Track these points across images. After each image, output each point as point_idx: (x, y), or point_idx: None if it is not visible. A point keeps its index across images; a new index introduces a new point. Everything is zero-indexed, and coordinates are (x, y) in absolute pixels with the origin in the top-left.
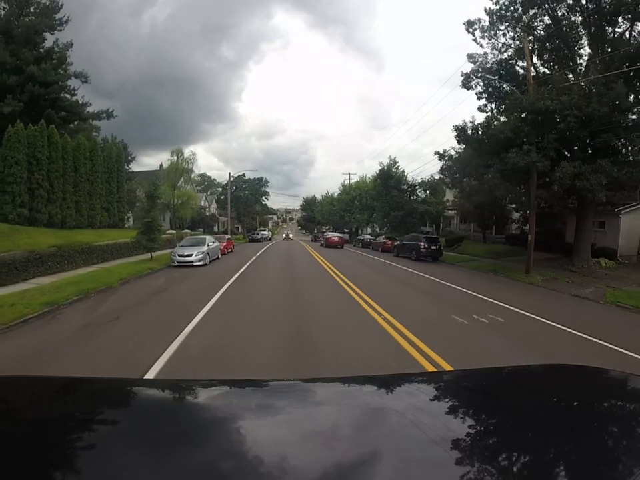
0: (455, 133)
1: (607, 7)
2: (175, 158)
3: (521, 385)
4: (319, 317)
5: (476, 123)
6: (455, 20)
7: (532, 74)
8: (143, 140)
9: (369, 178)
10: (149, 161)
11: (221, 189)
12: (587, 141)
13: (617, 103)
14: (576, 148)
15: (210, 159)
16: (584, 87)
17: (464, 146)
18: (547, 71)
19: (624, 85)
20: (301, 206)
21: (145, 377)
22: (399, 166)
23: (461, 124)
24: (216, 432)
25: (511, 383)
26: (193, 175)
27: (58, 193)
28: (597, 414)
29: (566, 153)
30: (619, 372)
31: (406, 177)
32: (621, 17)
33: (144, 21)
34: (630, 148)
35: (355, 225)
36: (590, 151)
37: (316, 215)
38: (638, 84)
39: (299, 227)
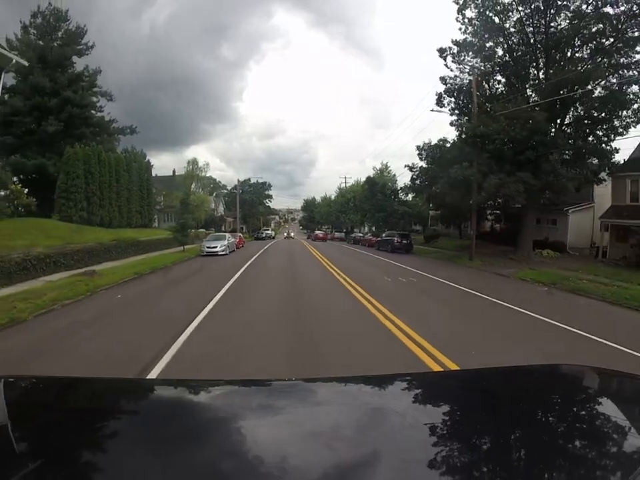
0: (417, 152)
1: (553, 36)
2: (191, 167)
3: (521, 385)
4: (302, 269)
5: (432, 144)
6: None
7: (487, 93)
8: (144, 141)
9: (363, 181)
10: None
11: (225, 191)
12: (513, 157)
13: (538, 126)
14: (505, 163)
15: (212, 160)
16: (526, 111)
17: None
18: (507, 90)
19: (542, 112)
20: (301, 207)
21: (148, 377)
22: (390, 170)
23: (421, 144)
24: (217, 432)
25: (511, 383)
26: (205, 182)
27: (106, 199)
28: (597, 414)
29: (498, 166)
30: (618, 372)
31: (394, 181)
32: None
33: (143, 21)
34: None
35: (350, 224)
36: (515, 165)
37: (315, 216)
38: (572, 107)
39: (301, 227)
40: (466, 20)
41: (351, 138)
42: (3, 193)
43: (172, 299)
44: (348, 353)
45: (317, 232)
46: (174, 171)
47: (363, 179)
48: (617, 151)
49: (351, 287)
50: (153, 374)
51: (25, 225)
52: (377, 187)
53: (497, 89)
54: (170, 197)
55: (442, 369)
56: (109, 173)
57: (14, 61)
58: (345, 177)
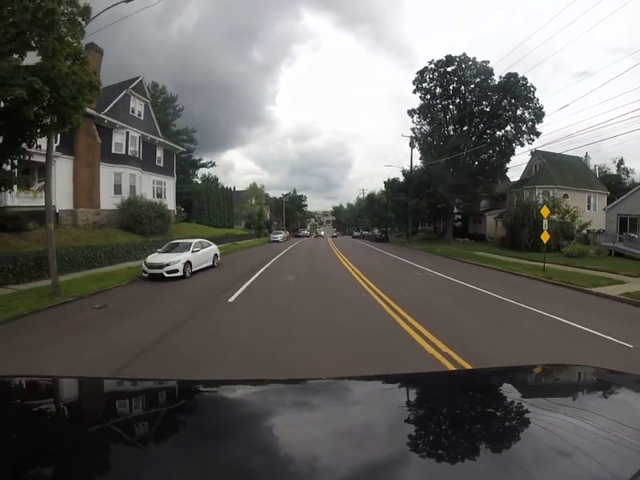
0: (384, 184)
1: (459, 114)
2: (251, 188)
3: (527, 384)
4: (319, 245)
5: (392, 179)
6: (483, 13)
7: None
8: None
9: (378, 192)
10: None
11: (267, 198)
12: (425, 189)
13: (435, 172)
14: (421, 192)
15: (247, 163)
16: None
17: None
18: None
19: (442, 166)
20: (331, 212)
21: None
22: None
23: (386, 180)
24: (248, 429)
25: (519, 382)
26: (261, 199)
27: (215, 212)
28: (597, 413)
29: (418, 194)
30: (619, 372)
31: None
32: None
33: (173, 28)
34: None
35: (365, 226)
36: (425, 193)
37: (342, 219)
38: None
39: (335, 229)
40: (419, 97)
41: (386, 138)
42: (176, 208)
43: (270, 251)
44: (325, 261)
45: (333, 233)
46: (234, 187)
47: (377, 191)
48: (502, 178)
49: (335, 251)
50: (275, 261)
51: (189, 226)
52: (375, 201)
53: (433, 143)
54: (237, 207)
55: (355, 274)
56: (215, 197)
57: (180, 149)
58: (362, 189)
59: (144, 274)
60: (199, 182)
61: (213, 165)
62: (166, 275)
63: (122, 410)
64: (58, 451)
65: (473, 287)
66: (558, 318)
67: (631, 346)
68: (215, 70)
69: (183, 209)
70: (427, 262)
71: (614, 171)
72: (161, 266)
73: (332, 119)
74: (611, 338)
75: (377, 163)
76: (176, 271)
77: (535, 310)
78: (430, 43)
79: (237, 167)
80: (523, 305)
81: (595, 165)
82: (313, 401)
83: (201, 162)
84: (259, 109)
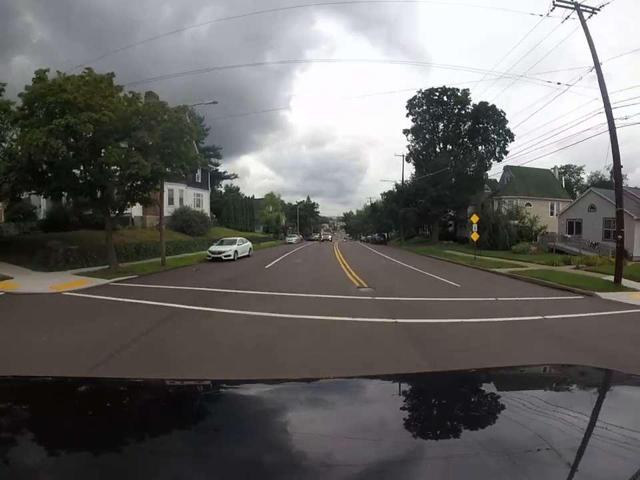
0: (381, 195)
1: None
2: (269, 196)
3: (528, 384)
4: (325, 246)
5: (388, 191)
6: (499, 13)
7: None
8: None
9: (381, 200)
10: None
11: (282, 205)
12: (411, 200)
13: (419, 187)
14: (409, 202)
15: (262, 169)
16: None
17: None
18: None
19: (427, 181)
20: (342, 218)
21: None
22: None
23: (383, 191)
24: (265, 425)
25: (521, 382)
26: (278, 206)
27: (239, 218)
28: (596, 413)
29: (406, 204)
30: (619, 372)
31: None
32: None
33: (185, 35)
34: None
35: (370, 230)
36: (413, 203)
37: (351, 225)
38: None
39: (348, 234)
40: (411, 120)
41: (402, 142)
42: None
43: (286, 249)
44: (324, 254)
45: (343, 238)
46: (253, 196)
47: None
48: (481, 188)
49: (336, 250)
50: (290, 254)
51: (220, 230)
52: (377, 209)
53: (423, 159)
54: (257, 213)
55: (346, 271)
56: (239, 205)
57: (213, 168)
58: (370, 198)
59: (208, 257)
60: (223, 191)
61: (236, 176)
62: (223, 258)
63: (139, 409)
64: (65, 451)
65: (414, 268)
66: (440, 278)
67: (459, 285)
68: (229, 76)
69: (215, 216)
70: (400, 256)
71: (608, 177)
72: (220, 252)
73: (347, 124)
74: (453, 283)
75: (391, 168)
76: (229, 256)
77: (434, 276)
78: (443, 42)
79: (251, 172)
80: (430, 275)
81: (562, 175)
82: (325, 398)
83: (225, 174)
84: (272, 114)
